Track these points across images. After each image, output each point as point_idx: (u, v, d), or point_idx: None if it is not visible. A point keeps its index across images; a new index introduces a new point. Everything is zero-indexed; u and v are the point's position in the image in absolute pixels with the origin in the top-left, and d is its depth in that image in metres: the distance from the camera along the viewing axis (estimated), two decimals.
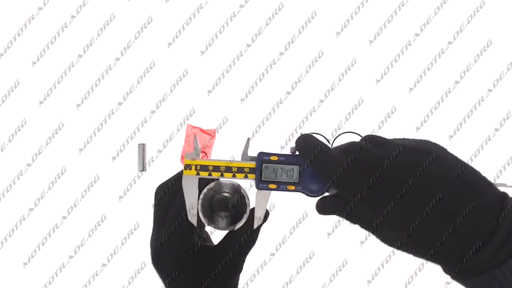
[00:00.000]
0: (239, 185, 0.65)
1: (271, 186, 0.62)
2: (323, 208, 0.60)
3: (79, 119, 1.36)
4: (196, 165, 0.63)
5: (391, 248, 0.59)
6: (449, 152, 0.56)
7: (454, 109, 1.27)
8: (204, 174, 0.63)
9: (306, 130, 0.61)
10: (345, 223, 0.60)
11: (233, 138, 0.65)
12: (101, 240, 1.21)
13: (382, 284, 1.10)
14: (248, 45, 1.33)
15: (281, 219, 1.01)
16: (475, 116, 1.23)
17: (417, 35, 1.35)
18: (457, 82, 1.32)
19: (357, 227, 0.59)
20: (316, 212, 0.61)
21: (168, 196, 0.66)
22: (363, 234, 0.59)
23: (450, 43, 1.34)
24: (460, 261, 0.52)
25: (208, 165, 0.63)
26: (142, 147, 0.67)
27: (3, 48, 1.35)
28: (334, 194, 0.60)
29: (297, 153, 0.61)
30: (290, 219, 1.03)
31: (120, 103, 1.28)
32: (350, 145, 0.58)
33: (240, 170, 0.62)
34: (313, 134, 0.61)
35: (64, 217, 1.26)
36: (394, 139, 0.58)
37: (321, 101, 1.28)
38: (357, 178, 0.55)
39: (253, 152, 0.64)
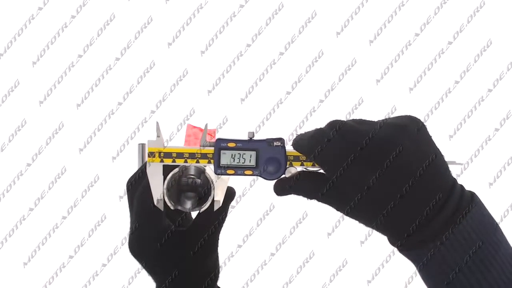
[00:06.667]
0: (204, 168, 0.67)
1: (229, 171, 0.63)
2: (287, 187, 0.61)
3: (79, 119, 1.36)
4: (159, 153, 0.64)
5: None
6: (424, 134, 0.59)
7: (454, 109, 1.27)
8: (168, 161, 0.64)
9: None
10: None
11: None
12: (101, 240, 1.21)
13: (382, 284, 1.10)
14: (248, 45, 1.33)
15: (281, 219, 1.01)
16: (475, 116, 1.23)
17: (417, 35, 1.35)
18: (457, 82, 1.32)
19: (351, 225, 0.59)
20: (303, 199, 0.61)
21: (136, 186, 0.68)
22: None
23: (450, 43, 1.34)
24: (406, 233, 0.55)
25: (171, 152, 0.64)
26: (142, 147, 0.68)
27: (3, 48, 1.35)
28: (306, 172, 0.61)
29: (254, 138, 0.63)
30: (290, 219, 1.03)
31: (120, 103, 1.28)
32: (332, 121, 0.59)
33: (204, 156, 0.64)
34: None
35: (64, 217, 1.26)
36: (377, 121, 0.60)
37: (321, 101, 1.28)
38: (341, 150, 0.56)
39: None
